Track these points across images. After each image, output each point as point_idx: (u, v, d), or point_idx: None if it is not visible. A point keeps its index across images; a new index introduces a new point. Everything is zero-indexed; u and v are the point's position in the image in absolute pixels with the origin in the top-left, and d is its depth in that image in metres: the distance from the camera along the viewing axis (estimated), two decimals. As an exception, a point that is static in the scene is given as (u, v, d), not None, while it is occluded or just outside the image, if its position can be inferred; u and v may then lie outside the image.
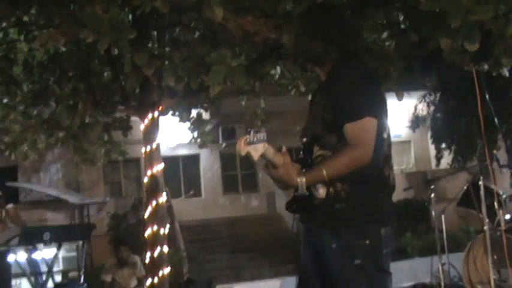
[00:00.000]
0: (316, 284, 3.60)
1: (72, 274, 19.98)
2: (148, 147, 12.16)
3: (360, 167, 3.32)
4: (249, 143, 3.27)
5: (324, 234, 3.50)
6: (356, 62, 3.60)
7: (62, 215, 20.12)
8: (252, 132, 3.31)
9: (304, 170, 3.45)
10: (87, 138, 13.86)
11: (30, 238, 6.55)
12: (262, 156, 3.33)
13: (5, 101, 12.83)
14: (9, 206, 7.86)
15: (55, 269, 7.65)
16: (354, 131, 3.35)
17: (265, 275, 16.24)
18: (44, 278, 6.99)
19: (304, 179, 3.37)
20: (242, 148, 3.29)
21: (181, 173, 22.35)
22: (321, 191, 3.45)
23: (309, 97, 3.85)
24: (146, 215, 12.28)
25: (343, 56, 3.58)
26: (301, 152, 3.64)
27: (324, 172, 3.33)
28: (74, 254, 19.69)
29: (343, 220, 3.44)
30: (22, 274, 7.39)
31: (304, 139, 3.64)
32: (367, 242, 3.41)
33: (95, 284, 10.80)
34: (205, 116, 15.67)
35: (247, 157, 3.31)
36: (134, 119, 13.45)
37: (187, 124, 15.38)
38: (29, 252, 6.83)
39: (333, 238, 3.45)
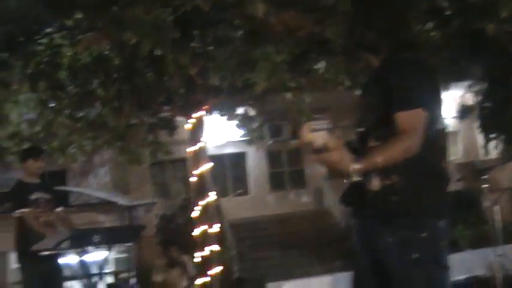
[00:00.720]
0: (372, 279, 3.51)
1: (123, 275, 20.18)
2: (195, 147, 12.17)
3: (410, 156, 3.24)
4: (312, 130, 3.22)
5: (379, 228, 3.40)
6: (411, 51, 3.52)
7: (111, 217, 20.24)
8: (314, 121, 3.27)
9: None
10: (133, 139, 13.94)
11: (80, 241, 6.53)
12: (321, 142, 3.26)
13: (51, 105, 12.98)
14: (59, 209, 7.89)
15: (106, 270, 7.64)
16: (405, 120, 3.27)
17: (316, 271, 16.09)
18: (95, 280, 6.98)
19: (357, 166, 3.28)
20: (306, 135, 3.23)
21: (228, 171, 22.37)
22: (376, 183, 3.36)
23: (355, 91, 3.77)
24: (195, 214, 12.28)
25: (397, 45, 3.51)
26: (355, 143, 3.54)
27: (377, 159, 3.25)
28: (125, 255, 19.92)
29: (399, 213, 3.34)
30: (73, 277, 7.42)
31: (359, 129, 3.56)
32: (425, 235, 3.32)
33: (145, 284, 10.83)
34: (252, 113, 15.64)
35: (310, 143, 3.25)
36: (180, 118, 13.48)
37: (234, 122, 15.39)
38: (80, 254, 6.82)
39: (389, 232, 3.36)
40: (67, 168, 21.08)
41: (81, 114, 13.37)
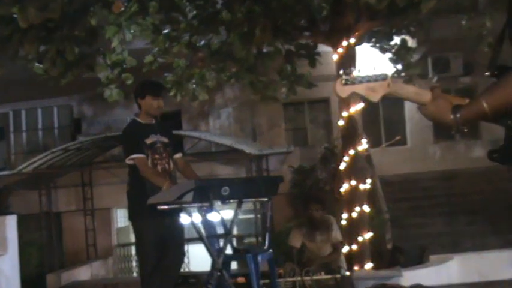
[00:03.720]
0: None
1: (248, 240, 20.53)
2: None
3: None
4: (348, 83, 3.24)
5: None
6: None
7: (235, 169, 20.55)
8: (348, 72, 3.29)
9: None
10: (265, 72, 14.01)
11: (206, 194, 6.56)
12: (394, 95, 3.31)
13: (166, 31, 13.19)
14: (178, 155, 8.03)
15: (234, 232, 7.69)
16: None
17: (491, 244, 15.86)
18: (221, 243, 7.09)
19: (458, 115, 3.27)
20: (338, 89, 3.26)
21: (381, 115, 22.13)
22: None
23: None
24: (342, 166, 12.31)
25: None
26: None
27: (484, 104, 3.21)
28: (249, 216, 20.19)
29: None
30: (194, 238, 7.54)
31: None
32: None
33: (279, 250, 10.98)
34: (412, 43, 15.43)
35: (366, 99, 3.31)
36: (324, 48, 13.43)
37: (388, 55, 15.21)
38: (204, 211, 6.93)
39: None
40: (182, 109, 21.47)
41: (202, 41, 13.56)
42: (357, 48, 12.87)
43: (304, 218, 10.94)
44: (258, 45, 12.78)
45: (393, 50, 15.11)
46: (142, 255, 7.77)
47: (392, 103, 21.97)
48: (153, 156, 7.60)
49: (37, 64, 12.25)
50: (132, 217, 7.71)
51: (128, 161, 7.54)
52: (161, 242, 7.50)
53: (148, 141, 7.62)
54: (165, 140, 7.79)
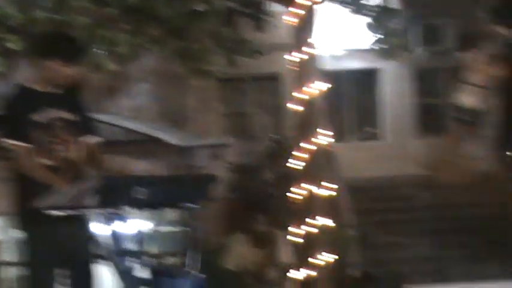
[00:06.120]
0: None
1: (171, 258, 20.54)
2: (299, 55, 12.14)
3: None
4: None
5: None
6: None
7: (155, 164, 20.58)
8: None
9: None
10: (197, 36, 14.01)
11: (115, 196, 6.41)
12: None
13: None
14: (90, 139, 7.57)
15: (151, 248, 7.59)
16: None
17: (488, 273, 16.03)
18: (132, 262, 7.06)
19: None
20: None
21: (350, 99, 22.24)
22: None
23: None
24: (295, 165, 12.39)
25: None
26: None
27: None
28: (170, 229, 20.15)
29: None
30: (99, 255, 7.45)
31: None
32: None
33: (210, 273, 11.02)
34: (395, 3, 15.55)
35: None
36: (275, 6, 13.47)
37: (364, 18, 15.31)
38: (110, 219, 6.85)
39: None
40: (82, 81, 21.34)
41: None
42: (324, 6, 12.87)
43: (244, 232, 11.01)
44: (188, 2, 12.76)
45: (371, 13, 15.19)
46: (29, 278, 7.31)
47: (365, 82, 22.16)
48: (48, 138, 7.13)
49: None
50: (18, 226, 7.26)
51: (3, 144, 7.09)
52: (58, 260, 7.25)
53: (39, 117, 7.13)
54: (70, 116, 7.34)
